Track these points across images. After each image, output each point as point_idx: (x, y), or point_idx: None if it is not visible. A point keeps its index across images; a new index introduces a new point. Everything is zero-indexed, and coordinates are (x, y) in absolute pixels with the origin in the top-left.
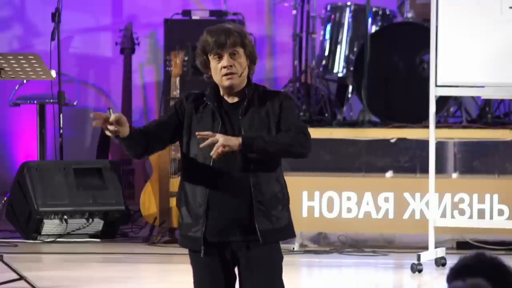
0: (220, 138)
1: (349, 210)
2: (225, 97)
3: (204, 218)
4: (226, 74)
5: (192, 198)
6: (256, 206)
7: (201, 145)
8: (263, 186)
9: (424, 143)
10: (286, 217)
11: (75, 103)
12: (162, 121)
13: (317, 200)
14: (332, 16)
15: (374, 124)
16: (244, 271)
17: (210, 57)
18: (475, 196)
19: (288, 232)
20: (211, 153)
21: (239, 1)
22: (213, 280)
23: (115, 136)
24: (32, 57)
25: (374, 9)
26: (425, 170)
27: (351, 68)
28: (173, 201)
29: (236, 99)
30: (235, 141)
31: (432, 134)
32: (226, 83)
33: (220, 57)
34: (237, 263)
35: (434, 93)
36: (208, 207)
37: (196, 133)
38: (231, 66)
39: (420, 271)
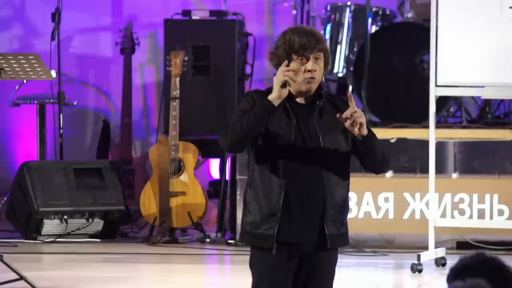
0: (361, 115)
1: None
2: (295, 97)
3: (278, 216)
4: (309, 78)
5: (265, 194)
6: (328, 210)
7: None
8: (335, 190)
9: (424, 143)
10: (347, 224)
11: (75, 103)
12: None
13: None
14: (332, 16)
15: (374, 124)
16: (307, 274)
17: (294, 57)
18: (475, 196)
19: (347, 239)
20: (347, 122)
21: (239, 1)
22: (281, 280)
23: (267, 111)
24: (32, 57)
25: (374, 9)
26: (425, 170)
27: (351, 68)
28: (173, 201)
29: (304, 100)
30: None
31: (432, 134)
32: (305, 87)
33: (305, 60)
34: (300, 266)
35: (434, 93)
36: (283, 205)
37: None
38: (314, 70)
39: (420, 271)
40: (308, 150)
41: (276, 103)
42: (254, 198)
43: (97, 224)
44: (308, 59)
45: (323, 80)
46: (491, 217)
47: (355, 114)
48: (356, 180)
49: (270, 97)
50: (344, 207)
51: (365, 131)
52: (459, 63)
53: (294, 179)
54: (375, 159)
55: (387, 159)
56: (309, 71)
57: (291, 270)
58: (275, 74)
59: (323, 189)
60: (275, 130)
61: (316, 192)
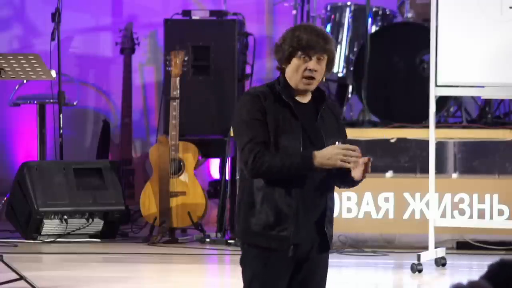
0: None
1: (349, 210)
2: (296, 96)
3: (294, 217)
4: (307, 78)
5: (281, 197)
6: (327, 212)
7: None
8: (330, 193)
9: (424, 143)
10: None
11: (75, 103)
12: (267, 138)
13: None
14: (332, 16)
15: (374, 124)
16: (305, 276)
17: (298, 54)
18: (475, 196)
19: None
20: (358, 176)
21: (239, 1)
22: (276, 280)
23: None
24: (32, 57)
25: (374, 9)
26: (425, 170)
27: (351, 68)
28: (173, 201)
29: (305, 100)
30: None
31: (432, 134)
32: (303, 87)
33: (307, 58)
34: (298, 268)
35: (434, 93)
36: (297, 208)
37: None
38: (315, 71)
39: (420, 271)
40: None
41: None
42: (266, 200)
43: (97, 224)
44: (311, 58)
45: (323, 80)
46: (491, 217)
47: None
48: None
49: (317, 162)
50: (333, 211)
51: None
52: (459, 63)
53: (307, 182)
54: (343, 186)
55: (354, 185)
56: (309, 70)
57: (288, 271)
58: (278, 68)
59: (325, 191)
60: (284, 131)
61: (321, 195)
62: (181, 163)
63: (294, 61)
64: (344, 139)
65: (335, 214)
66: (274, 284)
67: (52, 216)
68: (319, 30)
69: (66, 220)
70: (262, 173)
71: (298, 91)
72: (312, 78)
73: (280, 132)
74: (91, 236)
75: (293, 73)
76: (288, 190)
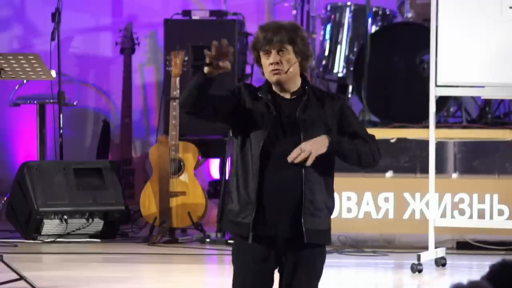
0: (308, 147)
1: (349, 210)
2: (278, 92)
3: (254, 205)
4: (272, 70)
5: (243, 184)
6: (306, 204)
7: (290, 159)
8: (315, 185)
9: (424, 143)
10: (328, 222)
11: (75, 103)
12: (225, 95)
13: None
14: (332, 16)
15: (374, 124)
16: (286, 269)
17: (261, 54)
18: (475, 196)
19: (328, 237)
20: (307, 163)
21: (239, 1)
22: (258, 271)
23: (208, 77)
24: (32, 57)
25: (374, 9)
26: (425, 170)
27: (351, 68)
28: (173, 201)
29: (288, 95)
30: (323, 145)
31: (432, 134)
32: (272, 79)
33: (268, 54)
34: (280, 263)
35: (434, 93)
36: (258, 195)
37: (289, 158)
38: (277, 63)
39: (420, 271)
40: (287, 143)
41: (208, 74)
42: (235, 187)
43: (97, 224)
44: (270, 53)
45: (303, 70)
46: (491, 217)
47: (301, 155)
48: (356, 180)
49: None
50: (323, 204)
51: (323, 151)
52: (459, 63)
53: (271, 171)
54: (352, 161)
55: (369, 156)
56: (271, 64)
57: (270, 263)
58: (262, 73)
59: (301, 183)
60: (255, 123)
61: (294, 186)
62: (181, 163)
63: (262, 61)
64: (342, 130)
65: (335, 214)
66: (249, 270)
67: (52, 216)
68: (274, 24)
69: (66, 220)
70: (183, 99)
71: (280, 86)
72: (276, 69)
73: (251, 123)
74: (91, 236)
75: (264, 71)
76: (250, 177)
